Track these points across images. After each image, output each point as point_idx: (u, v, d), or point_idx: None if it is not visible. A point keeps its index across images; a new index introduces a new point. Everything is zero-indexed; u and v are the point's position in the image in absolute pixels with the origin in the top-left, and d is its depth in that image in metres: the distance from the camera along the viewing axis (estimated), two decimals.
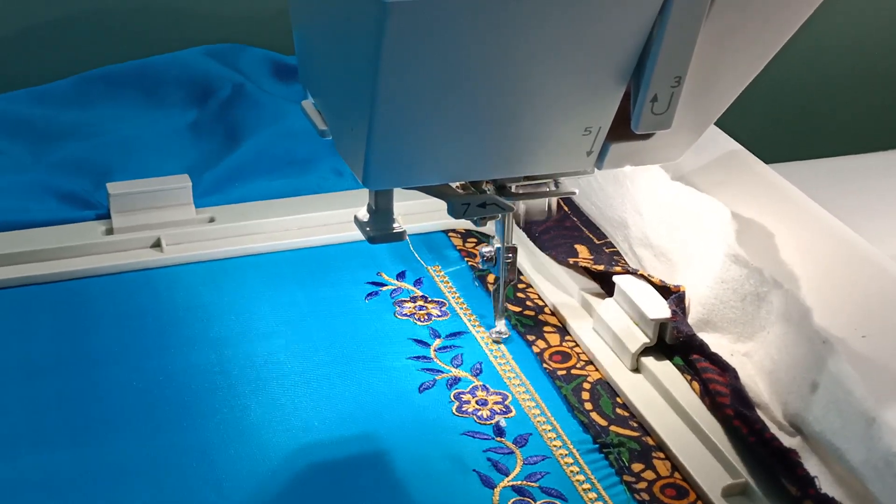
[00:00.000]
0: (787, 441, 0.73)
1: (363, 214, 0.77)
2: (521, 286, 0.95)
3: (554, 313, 0.92)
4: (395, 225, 0.77)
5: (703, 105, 0.72)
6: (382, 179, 0.70)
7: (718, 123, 0.81)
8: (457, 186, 0.77)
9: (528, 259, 0.98)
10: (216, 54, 1.28)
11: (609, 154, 0.72)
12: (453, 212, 0.76)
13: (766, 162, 0.94)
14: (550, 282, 0.95)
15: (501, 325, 0.89)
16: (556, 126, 0.68)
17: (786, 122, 1.60)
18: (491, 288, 0.91)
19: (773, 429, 0.74)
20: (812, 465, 0.71)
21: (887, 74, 1.61)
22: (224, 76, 1.23)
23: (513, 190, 0.78)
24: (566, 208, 1.00)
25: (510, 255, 0.85)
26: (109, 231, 0.98)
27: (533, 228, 0.99)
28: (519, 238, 0.99)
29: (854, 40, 1.56)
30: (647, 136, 0.71)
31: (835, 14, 1.50)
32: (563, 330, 0.90)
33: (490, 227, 0.86)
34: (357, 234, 0.80)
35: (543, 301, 0.93)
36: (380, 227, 0.77)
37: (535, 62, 0.63)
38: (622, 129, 0.70)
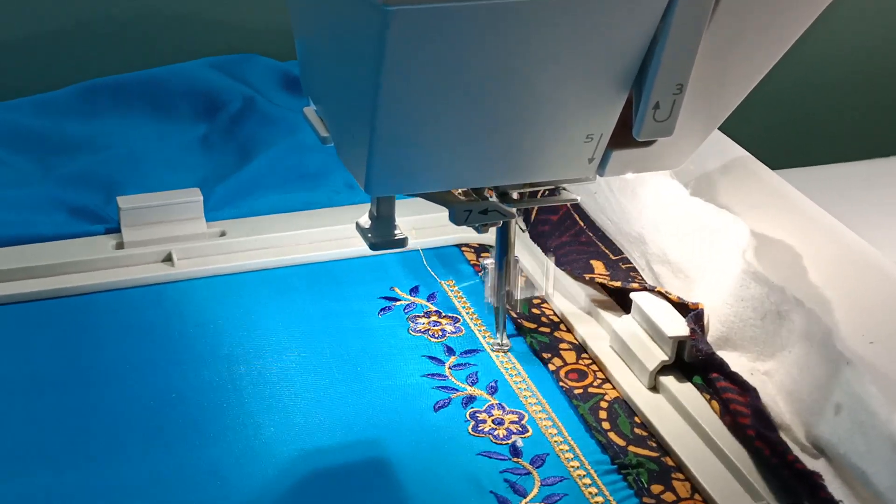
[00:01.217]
0: (811, 463, 0.72)
1: (364, 221, 0.77)
2: (535, 301, 0.94)
3: (568, 328, 0.91)
4: (396, 231, 0.76)
5: (705, 112, 0.72)
6: (384, 186, 0.70)
7: (721, 130, 0.80)
8: (459, 193, 0.77)
9: (539, 270, 0.96)
10: (224, 65, 1.27)
11: (611, 161, 0.72)
12: (455, 218, 0.75)
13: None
14: (563, 294, 0.94)
15: (502, 336, 0.88)
16: (557, 133, 0.68)
17: (787, 129, 1.60)
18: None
19: (796, 450, 0.73)
20: (836, 489, 0.70)
21: (889, 80, 1.60)
22: (233, 89, 1.23)
23: (514, 197, 0.77)
24: (581, 223, 0.99)
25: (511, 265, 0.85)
26: (120, 245, 0.98)
27: (547, 242, 0.98)
28: (532, 250, 0.98)
29: (856, 47, 1.56)
30: (648, 143, 0.71)
31: (837, 20, 1.49)
32: (579, 348, 0.89)
33: (490, 239, 0.85)
34: (369, 249, 0.79)
35: (558, 317, 0.92)
36: (381, 233, 0.76)
37: (536, 69, 0.63)
38: (624, 136, 0.70)
